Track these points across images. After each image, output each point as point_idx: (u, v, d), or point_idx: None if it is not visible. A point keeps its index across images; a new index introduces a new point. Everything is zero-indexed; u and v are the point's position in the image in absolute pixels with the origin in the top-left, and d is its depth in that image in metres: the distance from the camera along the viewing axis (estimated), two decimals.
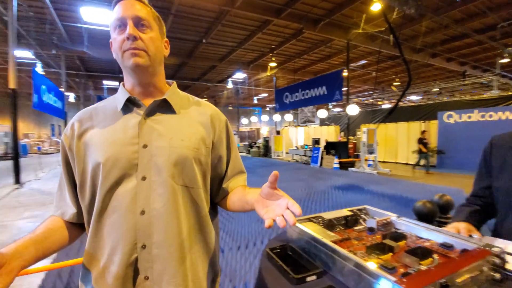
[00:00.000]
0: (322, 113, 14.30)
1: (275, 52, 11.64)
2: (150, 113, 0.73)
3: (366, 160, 8.92)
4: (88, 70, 14.49)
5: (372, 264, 0.63)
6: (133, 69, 0.70)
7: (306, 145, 12.28)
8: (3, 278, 0.52)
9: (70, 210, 0.74)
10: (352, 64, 12.47)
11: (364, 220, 1.02)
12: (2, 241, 3.11)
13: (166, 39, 0.80)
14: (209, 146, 0.78)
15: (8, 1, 3.97)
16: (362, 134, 9.31)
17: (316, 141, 11.60)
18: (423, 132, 9.10)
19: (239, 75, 15.16)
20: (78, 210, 0.74)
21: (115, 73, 14.01)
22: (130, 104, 0.74)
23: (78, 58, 11.82)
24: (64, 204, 0.75)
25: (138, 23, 0.70)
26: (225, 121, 0.85)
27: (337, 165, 9.30)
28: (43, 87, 7.37)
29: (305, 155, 11.85)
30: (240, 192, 0.80)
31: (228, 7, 7.72)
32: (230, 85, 16.23)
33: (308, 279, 0.72)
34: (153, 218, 0.67)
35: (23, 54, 8.97)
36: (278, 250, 0.89)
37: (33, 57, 9.57)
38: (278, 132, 16.39)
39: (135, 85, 0.75)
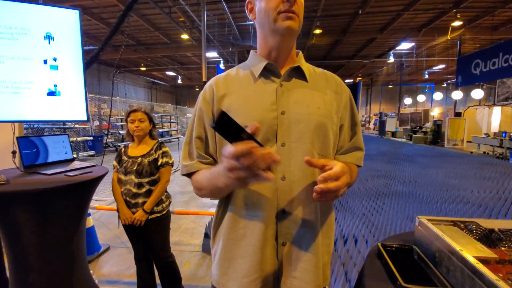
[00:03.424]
0: None
1: (461, 6, 8.74)
2: (285, 80, 0.73)
3: None
4: None
5: None
6: (285, 32, 0.68)
7: (505, 132, 8.67)
8: None
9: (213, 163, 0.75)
10: None
11: None
12: None
13: None
14: (339, 116, 0.76)
15: (201, 13, 5.30)
16: None
17: None
18: None
19: (405, 45, 12.70)
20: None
21: None
22: (265, 71, 0.73)
23: (247, 52, 14.14)
24: (204, 156, 0.75)
25: None
26: (349, 93, 0.80)
27: None
28: None
29: (500, 146, 8.50)
30: None
31: None
32: (391, 59, 14.00)
33: None
34: (293, 184, 0.68)
35: (211, 54, 11.71)
36: (393, 249, 0.69)
37: (217, 56, 12.34)
38: (457, 114, 12.57)
39: (273, 50, 0.73)
